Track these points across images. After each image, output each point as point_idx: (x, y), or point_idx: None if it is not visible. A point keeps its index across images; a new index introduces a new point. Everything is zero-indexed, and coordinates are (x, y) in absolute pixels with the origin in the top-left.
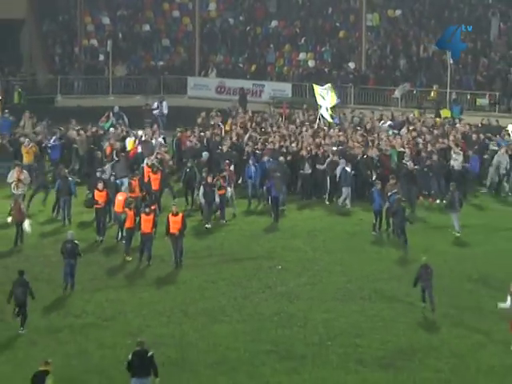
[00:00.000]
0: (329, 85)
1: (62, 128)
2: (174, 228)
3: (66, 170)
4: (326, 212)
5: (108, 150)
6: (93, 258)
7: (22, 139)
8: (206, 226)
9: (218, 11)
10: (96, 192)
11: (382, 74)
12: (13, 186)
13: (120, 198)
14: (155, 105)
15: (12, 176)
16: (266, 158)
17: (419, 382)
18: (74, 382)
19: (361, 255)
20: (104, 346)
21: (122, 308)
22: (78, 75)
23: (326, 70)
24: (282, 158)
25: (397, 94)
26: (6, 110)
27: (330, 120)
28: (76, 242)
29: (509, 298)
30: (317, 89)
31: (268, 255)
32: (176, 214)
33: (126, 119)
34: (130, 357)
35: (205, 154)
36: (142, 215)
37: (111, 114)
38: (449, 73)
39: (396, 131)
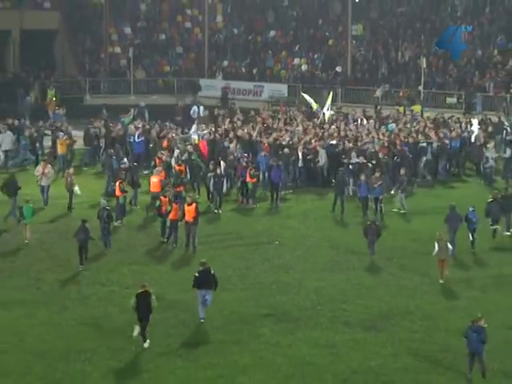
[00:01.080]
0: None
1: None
2: (189, 216)
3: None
4: (316, 197)
5: (165, 144)
6: (116, 235)
7: (58, 133)
8: (215, 211)
9: (224, 22)
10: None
11: (365, 76)
12: (38, 178)
13: (154, 179)
14: (194, 108)
15: (38, 170)
16: (262, 153)
17: (397, 341)
18: (100, 341)
19: (346, 232)
20: (126, 311)
21: (141, 278)
22: (104, 78)
23: (317, 73)
24: (286, 150)
25: (378, 93)
26: (57, 107)
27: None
28: (108, 207)
29: (436, 244)
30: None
31: (267, 233)
32: (190, 204)
33: (146, 115)
34: (196, 274)
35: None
36: (186, 206)
37: (132, 111)
38: (422, 75)
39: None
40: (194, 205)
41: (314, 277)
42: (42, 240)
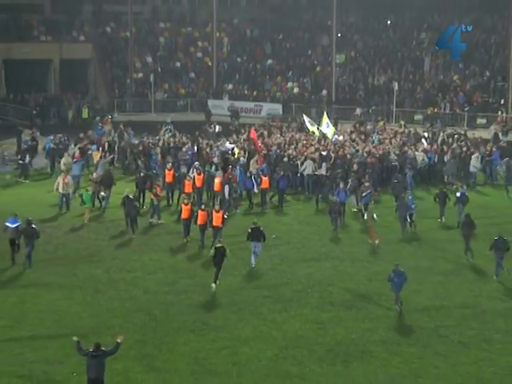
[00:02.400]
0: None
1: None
2: (217, 222)
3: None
4: (307, 199)
5: (204, 153)
6: (141, 231)
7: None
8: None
9: (229, 53)
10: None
11: (346, 97)
12: (60, 187)
13: (216, 180)
14: (212, 127)
15: (58, 180)
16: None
17: (374, 318)
18: (127, 318)
19: (331, 227)
20: (148, 293)
21: (161, 265)
22: (129, 98)
23: (306, 94)
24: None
25: (358, 111)
26: (100, 124)
27: (330, 136)
28: (131, 195)
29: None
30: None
31: (266, 228)
32: (218, 211)
33: (173, 129)
34: (249, 230)
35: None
36: (214, 213)
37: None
38: (394, 96)
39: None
40: (221, 212)
41: (305, 265)
42: (78, 234)
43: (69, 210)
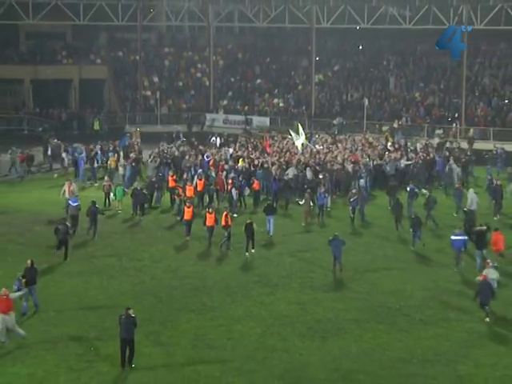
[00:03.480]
0: (301, 132)
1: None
2: (227, 222)
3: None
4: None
5: (211, 162)
6: (146, 224)
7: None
8: (234, 215)
9: (224, 73)
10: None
11: (325, 111)
12: (66, 193)
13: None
14: (213, 137)
15: (64, 188)
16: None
17: (348, 299)
18: (136, 300)
19: (312, 224)
20: (155, 278)
21: (166, 255)
22: (139, 113)
23: (290, 109)
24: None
25: (335, 122)
26: (128, 133)
27: (299, 147)
28: (139, 187)
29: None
30: (293, 131)
31: (256, 223)
32: (227, 215)
33: (182, 137)
34: (266, 205)
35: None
36: (223, 216)
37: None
38: (365, 110)
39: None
40: (226, 213)
41: (289, 254)
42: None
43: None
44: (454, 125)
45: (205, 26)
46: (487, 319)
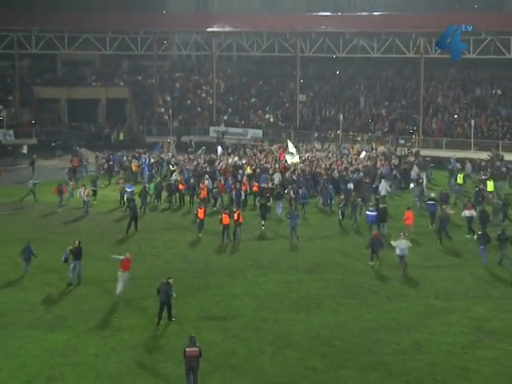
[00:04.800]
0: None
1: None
2: (240, 219)
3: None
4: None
5: (223, 168)
6: (159, 215)
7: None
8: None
9: (225, 93)
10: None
11: (307, 125)
12: (83, 196)
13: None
14: (219, 148)
15: (81, 191)
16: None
17: (326, 279)
18: (153, 280)
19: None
20: (168, 262)
21: (177, 243)
22: (155, 126)
23: (279, 123)
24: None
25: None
26: (160, 143)
27: (290, 161)
28: (147, 186)
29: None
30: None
31: (252, 219)
32: (236, 211)
33: (193, 145)
34: (275, 193)
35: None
36: (235, 214)
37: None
38: (341, 124)
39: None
40: (238, 211)
41: (278, 242)
42: (118, 222)
43: (89, 212)
44: (414, 136)
45: (209, 54)
46: (371, 263)
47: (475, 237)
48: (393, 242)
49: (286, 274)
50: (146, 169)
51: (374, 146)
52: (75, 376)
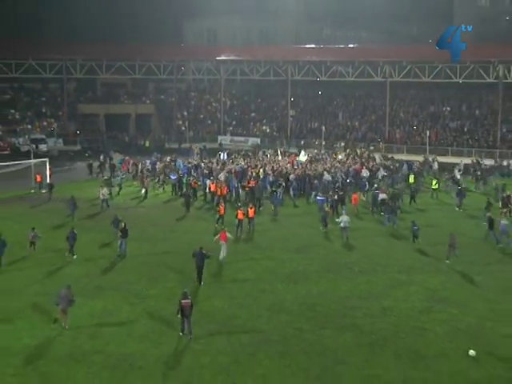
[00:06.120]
0: (302, 152)
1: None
2: (252, 213)
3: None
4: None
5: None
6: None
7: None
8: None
9: (230, 109)
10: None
11: (296, 135)
12: (101, 195)
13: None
14: (223, 153)
15: (100, 190)
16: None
17: (311, 257)
18: (174, 258)
19: (285, 209)
20: (181, 254)
21: (193, 229)
22: (174, 135)
23: (273, 133)
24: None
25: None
26: (192, 148)
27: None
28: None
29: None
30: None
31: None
32: (252, 208)
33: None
34: (282, 183)
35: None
36: (249, 209)
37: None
38: (323, 134)
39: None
40: (253, 208)
41: (273, 229)
42: (147, 212)
43: (109, 207)
44: (381, 143)
45: (217, 78)
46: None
47: (382, 214)
48: (337, 219)
49: (280, 253)
50: (185, 170)
51: (335, 155)
52: (110, 334)
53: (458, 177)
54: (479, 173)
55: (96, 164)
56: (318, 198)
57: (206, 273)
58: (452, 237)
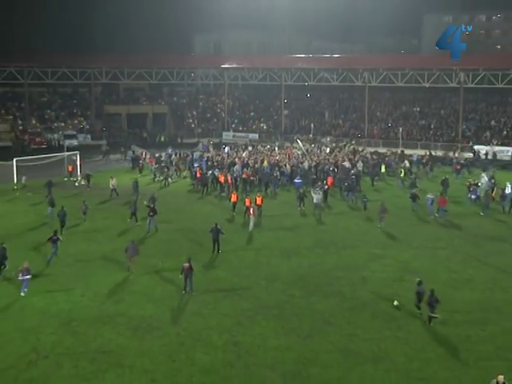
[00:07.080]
0: (299, 142)
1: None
2: (260, 201)
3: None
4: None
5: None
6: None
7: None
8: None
9: (233, 109)
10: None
11: (289, 131)
12: (111, 185)
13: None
14: (227, 148)
15: (110, 181)
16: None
17: (302, 235)
18: (186, 235)
19: (282, 197)
20: (195, 224)
21: (209, 214)
22: (185, 132)
23: (270, 129)
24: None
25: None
26: (206, 143)
27: (299, 151)
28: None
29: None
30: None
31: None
32: (259, 196)
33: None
34: (283, 172)
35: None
36: (257, 197)
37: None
38: (311, 130)
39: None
40: (261, 197)
41: (269, 215)
42: (168, 199)
43: (118, 196)
44: (361, 138)
45: (222, 83)
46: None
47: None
48: (313, 194)
49: (275, 232)
50: (204, 161)
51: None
52: (132, 299)
53: (408, 165)
54: (429, 162)
55: (118, 156)
56: (296, 180)
57: (212, 249)
58: (382, 206)
